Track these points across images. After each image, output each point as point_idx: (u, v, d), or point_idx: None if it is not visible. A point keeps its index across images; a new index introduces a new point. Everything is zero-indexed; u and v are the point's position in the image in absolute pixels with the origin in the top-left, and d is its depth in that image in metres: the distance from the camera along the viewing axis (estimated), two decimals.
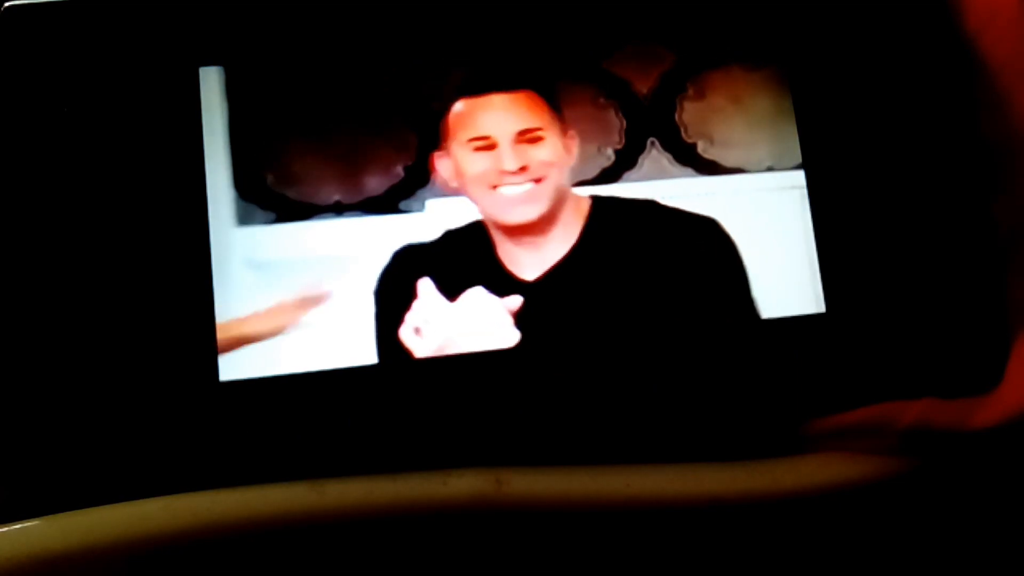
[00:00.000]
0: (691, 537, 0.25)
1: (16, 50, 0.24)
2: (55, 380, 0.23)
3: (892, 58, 0.26)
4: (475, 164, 0.26)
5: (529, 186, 0.26)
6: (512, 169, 0.26)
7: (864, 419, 0.24)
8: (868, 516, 0.25)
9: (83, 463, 0.23)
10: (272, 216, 0.25)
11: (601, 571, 0.26)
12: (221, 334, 0.24)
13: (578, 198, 0.26)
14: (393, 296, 0.25)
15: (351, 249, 0.25)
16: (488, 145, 0.26)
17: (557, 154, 0.26)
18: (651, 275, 0.25)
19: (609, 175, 0.26)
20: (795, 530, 0.25)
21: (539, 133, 0.26)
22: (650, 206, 0.26)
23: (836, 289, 0.25)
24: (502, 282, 0.25)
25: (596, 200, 0.26)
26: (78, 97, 0.24)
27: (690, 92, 0.26)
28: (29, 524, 0.22)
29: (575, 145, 0.26)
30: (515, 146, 0.26)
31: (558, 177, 0.26)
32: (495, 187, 0.26)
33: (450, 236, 0.25)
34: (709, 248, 0.25)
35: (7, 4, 0.25)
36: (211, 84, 0.25)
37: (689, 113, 0.26)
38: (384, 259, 0.25)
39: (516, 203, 0.26)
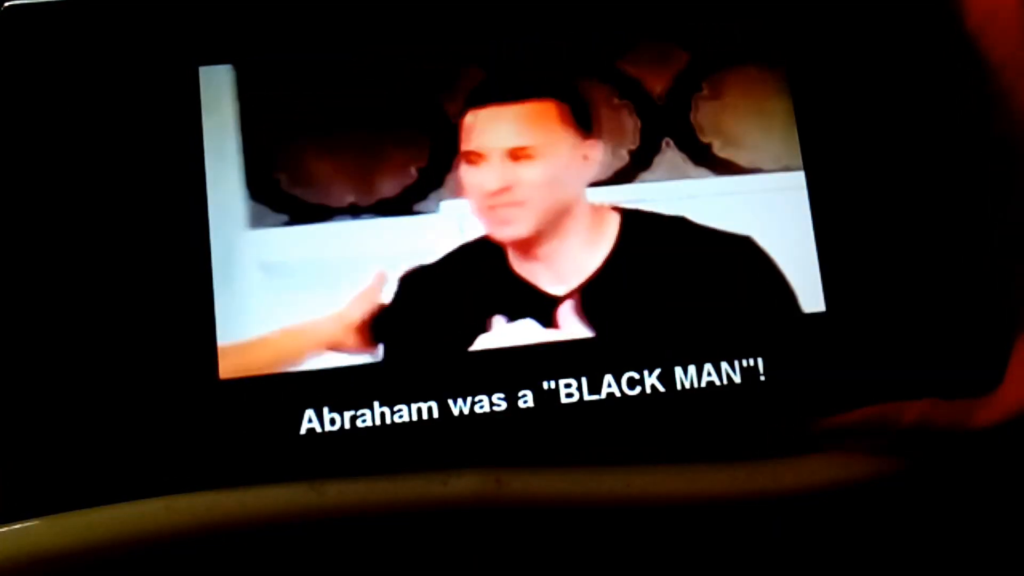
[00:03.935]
0: (691, 537, 0.25)
1: (16, 50, 0.24)
2: (55, 380, 0.23)
3: (892, 56, 0.26)
4: (467, 177, 0.25)
5: (510, 207, 0.25)
6: (493, 189, 0.25)
7: (864, 419, 0.24)
8: (868, 516, 0.25)
9: (83, 463, 0.23)
10: (284, 218, 0.25)
11: (601, 571, 0.26)
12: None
13: (600, 208, 0.25)
14: (404, 326, 0.24)
15: (366, 251, 0.25)
16: (478, 160, 0.25)
17: (551, 173, 0.25)
18: (686, 291, 0.25)
19: (623, 176, 0.26)
20: (795, 530, 0.25)
21: (530, 151, 0.25)
22: (681, 223, 0.25)
23: (836, 288, 0.25)
24: (529, 297, 0.25)
25: (625, 214, 0.25)
26: (79, 98, 0.24)
27: (705, 91, 0.26)
28: (29, 524, 0.22)
29: (596, 153, 0.25)
30: (503, 164, 0.25)
31: (551, 196, 0.25)
32: (485, 205, 0.25)
33: (458, 254, 0.25)
34: (748, 267, 0.25)
35: (7, 4, 0.25)
36: (215, 84, 0.25)
37: (704, 113, 0.26)
38: (400, 271, 0.25)
39: (501, 222, 0.25)
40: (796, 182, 0.25)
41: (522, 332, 0.25)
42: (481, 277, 0.25)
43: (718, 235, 0.25)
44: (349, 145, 0.25)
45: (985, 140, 0.25)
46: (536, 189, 0.25)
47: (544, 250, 0.25)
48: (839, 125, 0.26)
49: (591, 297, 0.25)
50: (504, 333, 0.25)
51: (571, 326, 0.25)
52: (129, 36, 0.25)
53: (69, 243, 0.24)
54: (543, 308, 0.25)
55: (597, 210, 0.26)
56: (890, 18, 0.26)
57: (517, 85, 0.25)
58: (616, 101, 0.26)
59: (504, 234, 0.25)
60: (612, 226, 0.26)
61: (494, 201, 0.25)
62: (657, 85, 0.26)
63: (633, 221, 0.25)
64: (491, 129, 0.25)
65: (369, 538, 0.24)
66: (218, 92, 0.25)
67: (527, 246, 0.25)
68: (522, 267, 0.25)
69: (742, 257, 0.25)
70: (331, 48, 0.25)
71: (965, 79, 0.26)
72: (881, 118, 0.26)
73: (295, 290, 0.24)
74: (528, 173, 0.25)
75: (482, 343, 0.24)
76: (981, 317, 0.25)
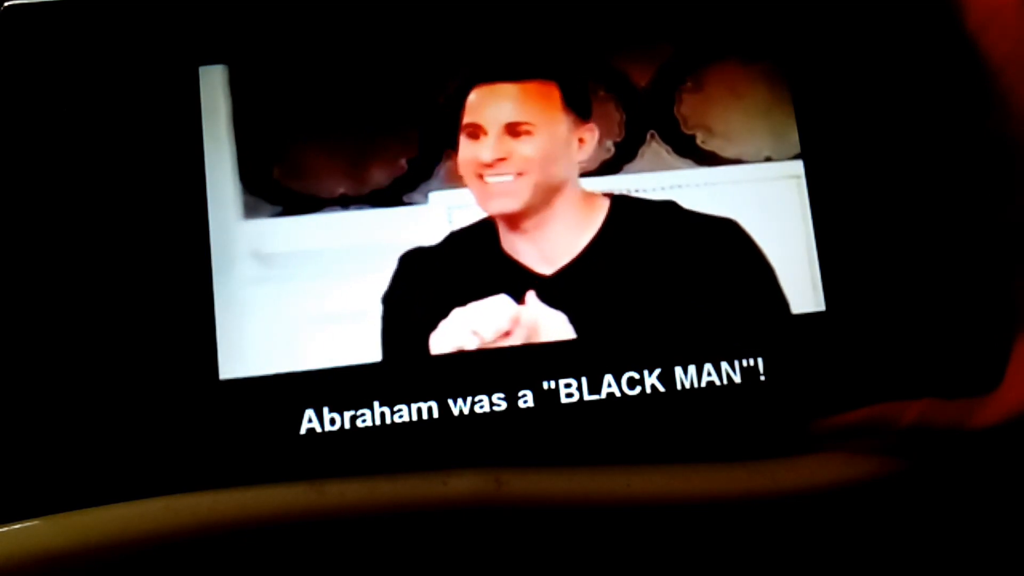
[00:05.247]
0: (691, 537, 0.25)
1: (16, 50, 0.24)
2: (55, 379, 0.23)
3: (891, 53, 0.26)
4: (464, 150, 0.26)
5: (507, 179, 0.26)
6: (488, 160, 0.26)
7: (864, 419, 0.24)
8: (868, 516, 0.25)
9: (83, 463, 0.23)
10: (279, 209, 0.25)
11: (601, 571, 0.26)
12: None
13: (592, 195, 0.26)
14: (403, 300, 0.25)
15: (357, 241, 0.25)
16: (476, 133, 0.26)
17: (547, 150, 0.26)
18: (671, 274, 0.25)
19: (609, 167, 0.26)
20: (795, 530, 0.25)
21: (528, 127, 0.26)
22: (669, 207, 0.26)
23: (836, 287, 0.25)
24: (518, 277, 0.25)
25: (615, 199, 0.26)
26: (78, 96, 0.24)
27: (689, 84, 0.26)
28: (29, 524, 0.22)
29: (592, 136, 0.26)
30: (500, 137, 0.26)
31: (545, 172, 0.26)
32: (479, 176, 0.26)
33: (455, 236, 0.25)
34: (731, 249, 0.25)
35: (7, 4, 0.25)
36: (212, 82, 0.25)
37: (688, 105, 0.26)
38: (391, 261, 0.25)
39: (494, 194, 0.26)
40: (777, 172, 0.26)
41: (494, 307, 0.25)
42: (472, 259, 0.26)
43: (703, 218, 0.26)
44: (341, 138, 0.26)
45: (985, 139, 0.25)
46: (531, 163, 0.26)
47: (532, 225, 0.26)
48: (838, 124, 0.26)
49: (575, 277, 0.26)
50: (477, 308, 0.25)
51: (535, 304, 0.25)
52: (129, 36, 0.25)
53: (71, 241, 0.24)
54: (527, 287, 0.25)
55: (589, 195, 0.26)
56: (890, 20, 0.26)
57: (522, 65, 0.26)
58: (602, 94, 0.26)
59: (495, 207, 0.26)
60: (601, 210, 0.26)
61: (489, 172, 0.26)
62: (642, 78, 0.26)
63: (621, 205, 0.26)
64: (493, 105, 0.26)
65: (369, 538, 0.24)
66: (215, 91, 0.25)
67: (516, 221, 0.26)
68: (511, 245, 0.26)
69: (727, 241, 0.26)
70: (323, 43, 0.25)
71: (965, 79, 0.26)
72: (880, 117, 0.26)
73: (287, 278, 0.25)
74: (525, 148, 0.26)
75: (455, 318, 0.25)
76: (981, 317, 0.25)
